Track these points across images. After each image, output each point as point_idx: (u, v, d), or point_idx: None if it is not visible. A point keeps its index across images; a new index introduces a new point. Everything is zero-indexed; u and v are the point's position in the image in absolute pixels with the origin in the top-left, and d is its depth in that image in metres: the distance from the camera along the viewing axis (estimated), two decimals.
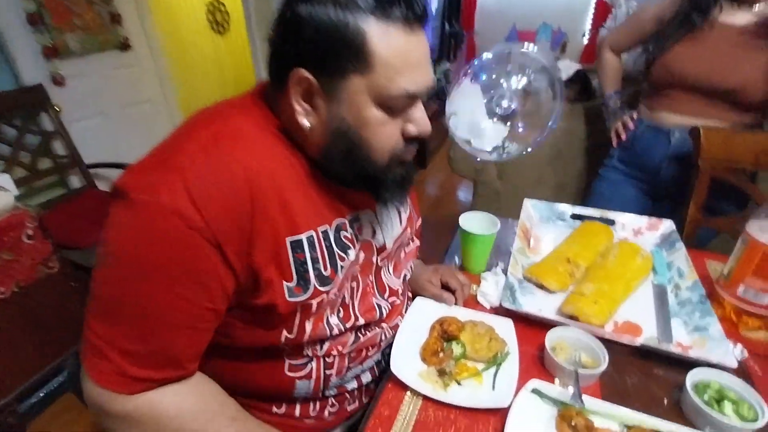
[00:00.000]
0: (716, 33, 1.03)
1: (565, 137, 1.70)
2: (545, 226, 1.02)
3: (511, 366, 0.63)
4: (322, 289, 0.53)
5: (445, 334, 0.68)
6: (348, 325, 0.59)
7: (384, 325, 0.66)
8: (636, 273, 0.82)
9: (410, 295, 0.79)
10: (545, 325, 0.70)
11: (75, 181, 1.95)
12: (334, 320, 0.58)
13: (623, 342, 0.67)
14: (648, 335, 0.70)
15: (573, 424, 0.54)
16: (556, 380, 0.63)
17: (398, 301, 0.69)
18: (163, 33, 2.44)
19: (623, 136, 1.25)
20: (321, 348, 0.59)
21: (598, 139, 1.61)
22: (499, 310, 0.76)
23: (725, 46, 1.02)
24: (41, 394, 1.45)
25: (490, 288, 0.80)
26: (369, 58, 0.45)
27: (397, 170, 0.55)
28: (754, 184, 1.07)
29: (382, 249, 0.64)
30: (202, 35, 2.93)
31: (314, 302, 0.53)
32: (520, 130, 1.20)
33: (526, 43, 1.12)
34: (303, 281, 0.52)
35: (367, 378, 0.69)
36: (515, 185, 1.85)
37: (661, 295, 0.79)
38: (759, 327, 0.70)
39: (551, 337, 0.65)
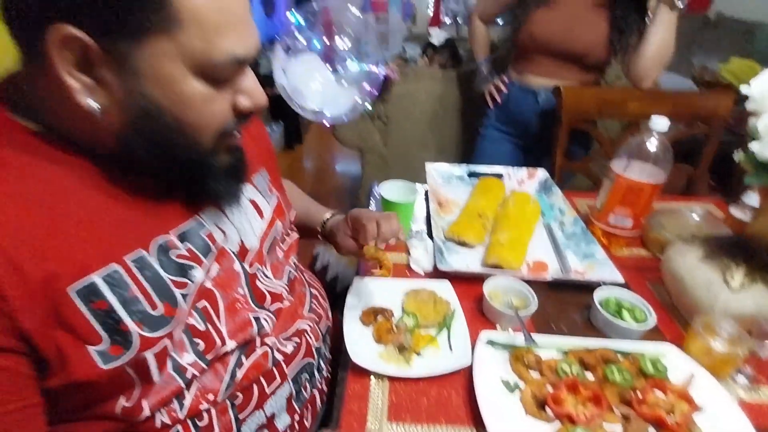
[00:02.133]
0: (568, 1, 1.19)
1: (441, 102, 1.81)
2: (449, 187, 1.08)
3: (461, 325, 0.66)
4: (154, 335, 0.40)
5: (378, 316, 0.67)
6: (211, 357, 0.45)
7: (272, 339, 0.53)
8: (531, 217, 0.93)
9: (312, 289, 0.69)
10: (472, 278, 0.75)
11: None
12: (187, 359, 0.44)
13: (539, 279, 0.76)
14: (553, 269, 0.82)
15: (526, 362, 0.59)
16: (498, 326, 0.68)
17: (287, 303, 0.58)
18: None
19: (498, 99, 1.39)
20: (181, 407, 0.44)
21: (471, 100, 1.76)
22: (431, 274, 0.78)
23: (575, 14, 1.19)
24: None
25: (421, 254, 0.81)
26: (176, 15, 0.34)
27: (224, 157, 0.45)
28: (596, 129, 1.32)
29: (243, 253, 0.52)
30: None
31: (150, 354, 0.40)
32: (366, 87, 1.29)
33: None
34: (119, 336, 0.38)
35: (285, 420, 0.54)
36: (400, 150, 1.92)
37: (551, 232, 0.92)
38: (625, 245, 0.88)
39: (487, 289, 0.70)
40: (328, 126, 1.51)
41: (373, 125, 1.85)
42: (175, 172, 0.42)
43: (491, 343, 0.63)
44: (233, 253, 0.51)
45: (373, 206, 0.98)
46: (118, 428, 0.42)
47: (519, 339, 0.62)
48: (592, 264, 0.80)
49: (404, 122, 1.85)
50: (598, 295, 0.70)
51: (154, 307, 0.40)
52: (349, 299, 0.70)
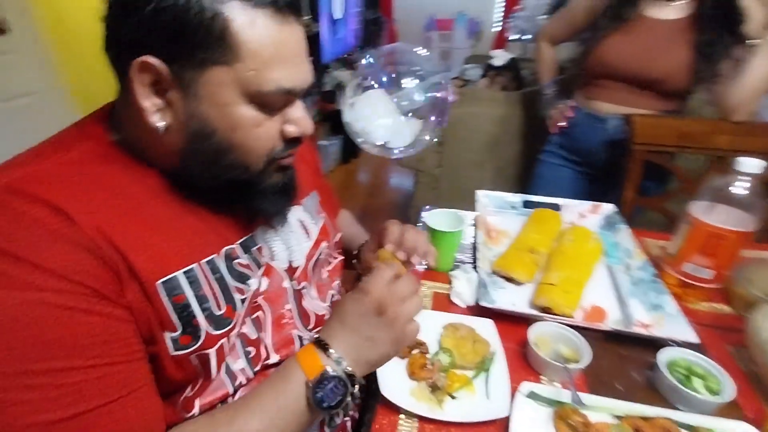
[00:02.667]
0: (644, 26, 1.11)
1: (501, 124, 1.76)
2: (500, 216, 1.03)
3: (501, 369, 0.61)
4: (217, 332, 0.44)
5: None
6: (257, 368, 0.49)
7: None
8: (591, 256, 0.85)
9: None
10: (519, 318, 0.70)
11: None
12: (239, 365, 0.48)
13: (595, 328, 0.69)
14: (613, 318, 0.73)
15: (571, 423, 0.53)
16: (542, 377, 0.62)
17: None
18: (48, 12, 1.99)
19: (563, 124, 1.31)
20: None
21: (533, 125, 1.69)
22: (473, 310, 0.74)
23: (652, 39, 1.10)
24: None
25: (463, 287, 0.77)
26: (233, 47, 0.38)
27: (276, 177, 0.48)
28: (674, 163, 1.19)
29: (292, 270, 0.56)
30: (97, 14, 2.46)
31: (211, 352, 0.44)
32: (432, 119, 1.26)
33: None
34: (191, 328, 0.42)
35: None
36: (454, 173, 1.88)
37: (614, 276, 0.83)
38: (703, 299, 0.77)
39: (533, 334, 0.64)
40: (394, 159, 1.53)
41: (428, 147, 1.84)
42: (227, 190, 0.46)
43: (533, 396, 0.57)
44: (282, 269, 0.54)
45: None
46: (179, 421, 0.44)
47: (566, 395, 0.56)
48: (661, 317, 0.71)
49: (460, 145, 1.81)
50: (665, 356, 0.61)
51: (219, 307, 0.45)
52: None
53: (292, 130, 0.45)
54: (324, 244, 0.62)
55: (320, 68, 2.87)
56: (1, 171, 0.38)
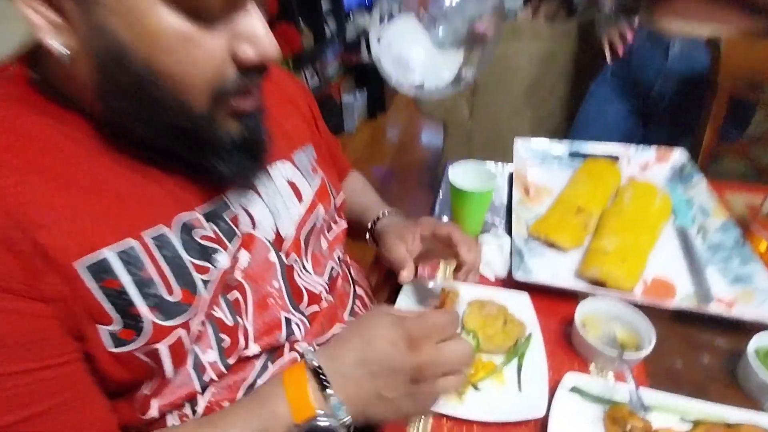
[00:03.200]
0: None
1: (545, 64, 1.52)
2: (541, 169, 0.87)
3: (538, 357, 0.50)
4: (168, 323, 0.35)
5: None
6: (231, 360, 0.40)
7: (303, 346, 0.45)
8: (657, 217, 0.70)
9: (358, 287, 0.59)
10: (562, 293, 0.58)
11: None
12: (209, 356, 0.39)
13: (660, 307, 0.56)
14: (684, 293, 0.60)
15: (628, 428, 0.42)
16: (591, 367, 0.51)
17: (325, 305, 0.49)
18: None
19: (620, 50, 1.09)
20: (194, 413, 0.39)
21: (585, 62, 1.45)
22: (505, 282, 0.63)
23: None
24: None
25: (494, 254, 0.65)
26: None
27: (231, 125, 0.36)
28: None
29: (280, 241, 0.46)
30: None
31: (161, 346, 0.35)
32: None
33: None
34: (130, 319, 0.33)
35: None
36: (489, 123, 1.69)
37: (686, 241, 0.68)
38: None
39: (580, 313, 0.53)
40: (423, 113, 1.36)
41: (459, 94, 1.65)
42: (170, 140, 0.34)
43: (578, 391, 0.46)
44: (267, 240, 0.44)
45: (440, 194, 0.83)
46: (139, 423, 0.38)
47: (621, 392, 0.45)
48: (749, 292, 0.57)
49: (496, 90, 1.60)
50: (757, 343, 0.48)
51: (170, 292, 0.35)
52: (400, 302, 0.58)
53: (246, 50, 0.32)
54: (321, 209, 0.51)
55: (342, 16, 2.65)
56: None
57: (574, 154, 0.88)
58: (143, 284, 0.34)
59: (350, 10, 2.75)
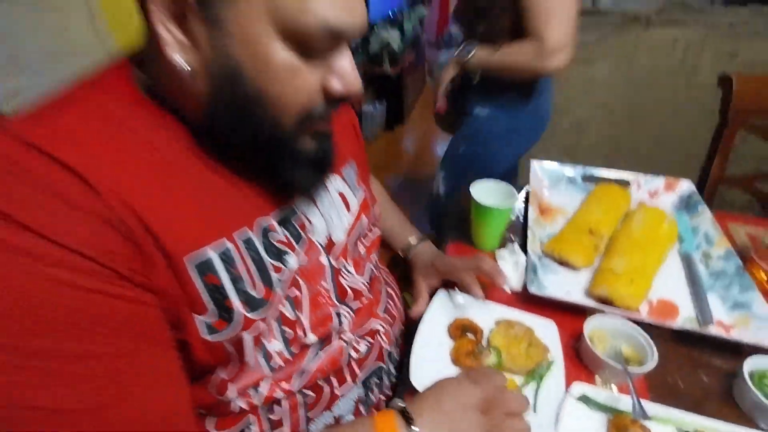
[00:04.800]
0: None
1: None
2: (556, 191, 0.92)
3: (556, 382, 0.53)
4: (253, 316, 0.40)
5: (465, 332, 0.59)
6: (295, 350, 0.45)
7: (348, 336, 0.51)
8: (663, 241, 0.74)
9: (389, 288, 0.65)
10: (573, 309, 0.63)
11: None
12: (275, 346, 0.44)
13: (663, 326, 0.60)
14: (686, 315, 0.64)
15: None
16: (597, 377, 0.55)
17: (365, 301, 0.55)
18: None
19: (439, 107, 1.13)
20: (256, 393, 0.44)
21: None
22: (520, 297, 0.67)
23: None
24: None
25: (509, 269, 0.70)
26: None
27: (309, 144, 0.41)
28: None
29: (330, 246, 0.50)
30: None
31: (246, 335, 0.40)
32: None
33: None
34: (224, 311, 0.38)
35: None
36: None
37: (690, 266, 0.72)
38: None
39: (588, 328, 0.57)
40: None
41: None
42: (256, 152, 0.39)
43: (585, 399, 0.51)
44: (320, 245, 0.49)
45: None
46: (210, 402, 0.43)
47: (624, 402, 0.49)
48: (746, 318, 0.61)
49: None
50: (751, 365, 0.52)
51: (254, 287, 0.40)
52: (433, 309, 0.63)
53: (336, 84, 0.37)
54: (364, 219, 0.57)
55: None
56: (14, 123, 0.33)
57: (587, 178, 0.93)
58: (236, 281, 0.38)
59: (374, 23, 2.83)
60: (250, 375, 0.43)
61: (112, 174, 0.33)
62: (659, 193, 0.89)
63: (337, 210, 0.52)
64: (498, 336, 0.58)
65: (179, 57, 0.34)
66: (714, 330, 0.59)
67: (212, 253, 0.37)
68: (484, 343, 0.59)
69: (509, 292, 0.68)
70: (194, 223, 0.36)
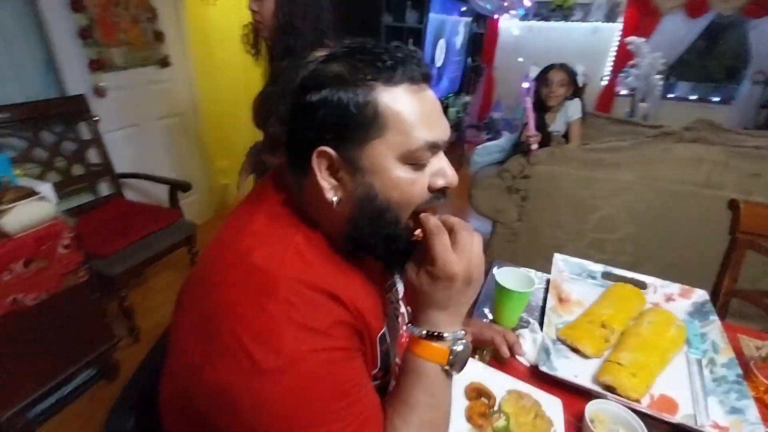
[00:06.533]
0: None
1: (583, 186, 1.72)
2: (575, 283, 1.03)
3: None
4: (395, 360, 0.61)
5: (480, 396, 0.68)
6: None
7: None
8: (671, 344, 0.82)
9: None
10: (579, 392, 0.71)
11: (104, 189, 1.99)
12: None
13: (662, 419, 0.67)
14: (685, 413, 0.70)
15: None
16: None
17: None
18: (199, 52, 2.51)
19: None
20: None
21: None
22: (533, 373, 0.76)
23: None
24: (52, 401, 1.45)
25: (528, 345, 0.80)
26: (384, 121, 0.46)
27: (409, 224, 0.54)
28: None
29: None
30: (235, 57, 2.99)
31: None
32: None
33: None
34: (387, 366, 0.58)
35: None
36: (535, 229, 1.87)
37: (696, 369, 0.79)
38: None
39: (590, 410, 0.65)
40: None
41: (510, 198, 1.87)
42: (383, 245, 0.52)
43: None
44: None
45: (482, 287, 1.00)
46: None
47: None
48: (740, 424, 0.67)
49: (544, 202, 1.81)
50: None
51: (393, 345, 0.62)
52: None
53: (440, 181, 0.50)
54: None
55: None
56: (284, 267, 0.46)
57: (606, 275, 1.03)
58: (392, 342, 0.59)
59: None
60: None
61: (346, 290, 0.48)
62: (674, 298, 0.97)
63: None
64: (509, 404, 0.67)
65: (332, 195, 0.49)
66: (710, 430, 0.66)
67: (383, 332, 0.56)
68: (495, 407, 0.68)
69: (528, 364, 0.77)
70: (374, 310, 0.53)
